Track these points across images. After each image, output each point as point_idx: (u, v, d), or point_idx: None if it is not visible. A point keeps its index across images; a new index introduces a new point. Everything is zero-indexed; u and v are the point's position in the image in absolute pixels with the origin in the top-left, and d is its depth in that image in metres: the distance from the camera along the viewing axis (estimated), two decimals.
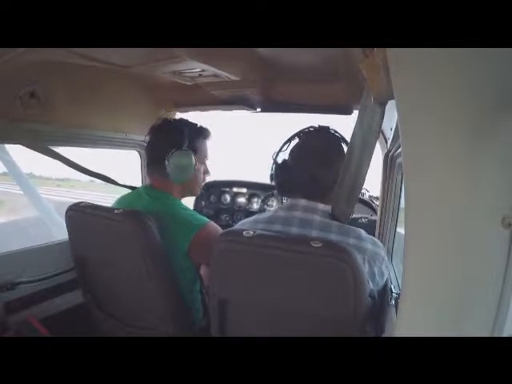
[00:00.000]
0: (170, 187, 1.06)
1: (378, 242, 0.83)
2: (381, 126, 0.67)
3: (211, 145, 1.14)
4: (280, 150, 0.91)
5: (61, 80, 1.10)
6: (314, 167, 0.84)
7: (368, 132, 0.67)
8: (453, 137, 0.39)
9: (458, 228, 0.41)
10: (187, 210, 1.03)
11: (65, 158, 1.12)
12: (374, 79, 0.55)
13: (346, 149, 0.87)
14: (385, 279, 0.85)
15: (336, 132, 0.91)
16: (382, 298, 0.87)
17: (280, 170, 0.89)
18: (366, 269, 0.76)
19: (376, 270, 0.80)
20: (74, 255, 1.10)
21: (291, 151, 0.90)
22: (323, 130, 0.91)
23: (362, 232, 0.81)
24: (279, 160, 0.90)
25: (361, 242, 0.79)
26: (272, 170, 0.91)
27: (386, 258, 0.84)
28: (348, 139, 0.76)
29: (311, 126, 0.91)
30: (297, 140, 0.91)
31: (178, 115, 1.61)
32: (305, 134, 0.91)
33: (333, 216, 0.80)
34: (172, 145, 1.01)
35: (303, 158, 0.87)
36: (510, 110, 0.37)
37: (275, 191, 0.94)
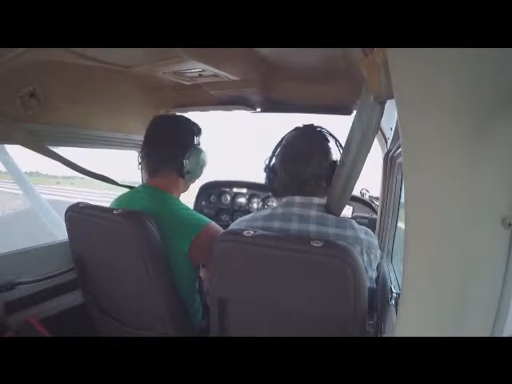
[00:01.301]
0: (171, 186, 1.05)
1: (369, 231, 0.86)
2: (379, 123, 0.67)
3: (212, 145, 1.15)
4: (270, 158, 0.94)
5: (61, 80, 1.10)
6: (300, 165, 0.86)
7: (367, 128, 0.68)
8: (453, 137, 0.39)
9: (458, 228, 0.41)
10: (188, 210, 1.03)
11: (64, 158, 1.12)
12: (374, 78, 0.55)
13: (332, 143, 0.91)
14: (377, 262, 0.89)
15: (320, 128, 0.92)
16: (382, 298, 0.87)
17: (271, 174, 0.92)
18: (364, 258, 0.81)
19: (372, 257, 0.84)
20: (74, 256, 1.10)
21: (279, 154, 0.92)
22: (306, 128, 0.93)
23: (354, 223, 0.84)
24: (269, 165, 0.93)
25: (356, 232, 0.82)
26: (265, 177, 0.94)
27: (377, 243, 0.88)
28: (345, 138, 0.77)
29: (296, 127, 0.93)
30: (282, 142, 0.93)
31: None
32: (288, 135, 0.93)
33: (328, 209, 0.83)
34: (185, 144, 1.02)
35: (289, 157, 0.88)
36: (509, 110, 0.37)
37: (270, 193, 0.97)
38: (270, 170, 0.93)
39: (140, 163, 1.13)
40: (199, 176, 1.08)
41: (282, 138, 0.94)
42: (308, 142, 0.89)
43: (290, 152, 0.89)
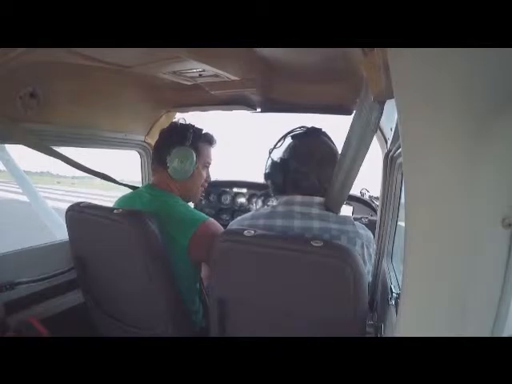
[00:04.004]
0: (171, 186, 1.07)
1: (365, 227, 0.88)
2: (379, 122, 0.67)
3: (215, 152, 1.16)
4: (274, 147, 0.94)
5: (61, 80, 1.10)
6: (306, 167, 0.87)
7: (366, 127, 0.69)
8: (453, 137, 0.39)
9: (458, 228, 0.41)
10: (186, 207, 1.04)
11: (65, 156, 1.12)
12: (374, 78, 0.55)
13: (335, 150, 0.92)
14: (373, 258, 0.91)
15: (327, 135, 0.94)
16: (382, 298, 0.87)
17: (275, 169, 0.91)
18: (364, 252, 0.83)
19: (371, 251, 0.87)
20: (74, 255, 1.10)
21: (286, 152, 0.92)
22: (316, 132, 0.94)
23: (352, 219, 0.87)
24: (274, 159, 0.92)
25: (355, 227, 0.84)
26: (266, 168, 0.93)
27: (372, 237, 0.90)
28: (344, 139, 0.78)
29: (303, 127, 0.94)
30: (290, 140, 0.93)
31: (178, 115, 1.61)
32: (298, 135, 0.93)
33: (326, 207, 0.85)
34: (174, 143, 1.05)
35: (297, 158, 0.89)
36: (509, 110, 0.37)
37: (269, 190, 0.95)
38: (273, 165, 0.91)
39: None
40: (184, 175, 1.05)
41: (287, 134, 0.93)
42: (321, 145, 0.91)
43: (299, 151, 0.90)
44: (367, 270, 0.83)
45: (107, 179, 1.28)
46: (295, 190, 0.87)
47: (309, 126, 0.94)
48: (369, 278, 0.84)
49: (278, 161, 0.91)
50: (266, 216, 0.87)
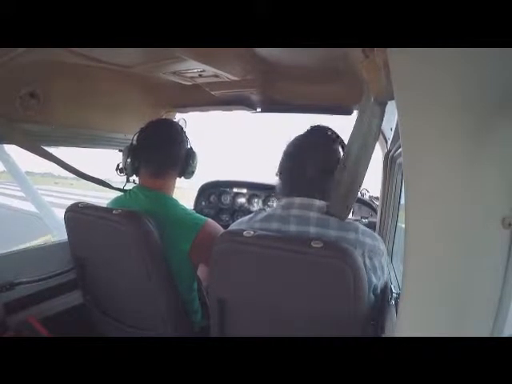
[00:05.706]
0: (168, 187, 1.07)
1: (377, 236, 0.83)
2: (380, 127, 0.67)
3: (212, 145, 1.19)
4: (288, 148, 0.91)
5: (61, 80, 1.10)
6: (308, 166, 0.84)
7: (367, 133, 0.67)
8: (453, 137, 0.39)
9: (459, 228, 0.41)
10: (186, 211, 1.04)
11: (59, 159, 1.11)
12: (374, 79, 0.55)
13: (341, 149, 0.88)
14: (385, 273, 0.85)
15: (334, 132, 0.90)
16: (382, 298, 0.87)
17: (280, 171, 0.89)
18: (366, 262, 0.76)
19: (377, 263, 0.80)
20: (74, 256, 1.10)
21: (283, 153, 0.90)
22: (320, 130, 0.91)
23: (360, 226, 0.81)
24: (288, 158, 0.89)
25: (359, 236, 0.78)
26: (279, 167, 0.90)
27: (385, 251, 0.84)
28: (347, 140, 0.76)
29: (311, 126, 0.92)
30: (294, 140, 0.91)
31: (178, 115, 1.61)
32: (302, 135, 0.91)
33: (330, 214, 0.79)
34: (184, 146, 1.09)
35: (298, 157, 0.86)
36: (509, 110, 0.37)
37: (274, 192, 0.93)
38: (287, 165, 0.88)
39: (125, 168, 1.11)
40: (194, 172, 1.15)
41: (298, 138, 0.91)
42: (314, 142, 0.88)
43: (295, 151, 0.88)
44: (373, 282, 0.77)
45: (100, 184, 1.26)
46: (295, 190, 0.84)
47: (315, 124, 0.92)
48: (375, 283, 0.79)
49: (282, 163, 0.89)
50: (263, 219, 0.85)
